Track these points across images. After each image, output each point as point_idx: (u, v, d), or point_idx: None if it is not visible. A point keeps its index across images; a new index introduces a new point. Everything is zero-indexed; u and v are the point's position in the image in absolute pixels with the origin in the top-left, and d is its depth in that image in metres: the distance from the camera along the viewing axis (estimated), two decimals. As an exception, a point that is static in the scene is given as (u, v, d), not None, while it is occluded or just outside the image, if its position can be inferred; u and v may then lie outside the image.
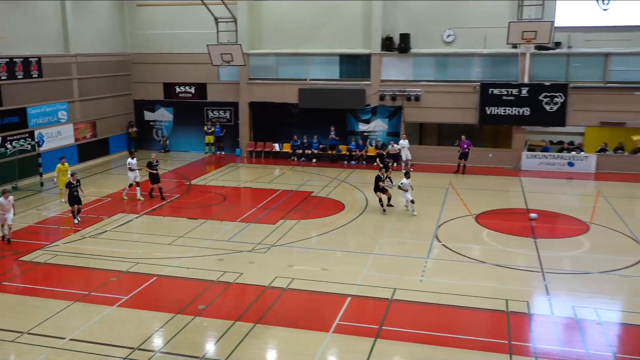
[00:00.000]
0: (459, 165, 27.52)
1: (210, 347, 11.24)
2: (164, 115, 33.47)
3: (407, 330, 11.76)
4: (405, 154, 27.51)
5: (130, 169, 22.13)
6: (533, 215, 19.92)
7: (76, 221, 19.13)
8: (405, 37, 28.81)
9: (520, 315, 12.44)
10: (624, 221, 19.51)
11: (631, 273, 14.99)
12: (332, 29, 29.99)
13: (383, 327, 11.85)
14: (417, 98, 29.14)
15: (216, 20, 26.68)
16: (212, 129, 32.29)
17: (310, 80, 30.77)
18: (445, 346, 11.13)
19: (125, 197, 22.26)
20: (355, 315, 12.51)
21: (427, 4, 28.71)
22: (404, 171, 22.93)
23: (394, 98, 29.50)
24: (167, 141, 33.38)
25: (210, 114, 32.68)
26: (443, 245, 17.08)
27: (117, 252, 16.48)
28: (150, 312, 12.71)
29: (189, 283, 14.30)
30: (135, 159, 22.41)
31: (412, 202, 20.14)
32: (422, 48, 29.08)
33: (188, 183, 25.27)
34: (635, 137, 29.41)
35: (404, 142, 27.75)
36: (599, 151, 28.34)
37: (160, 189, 22.31)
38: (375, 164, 27.16)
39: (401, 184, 20.29)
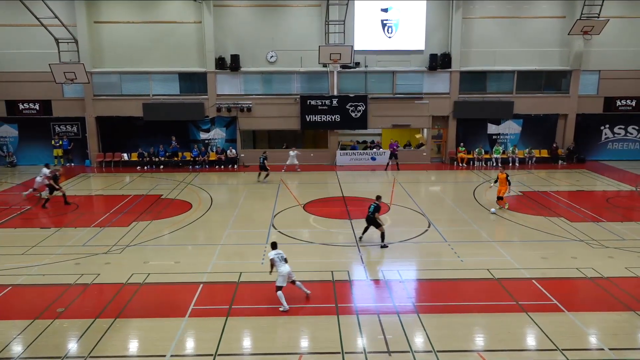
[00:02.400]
0: (388, 164, 28.27)
1: (72, 346, 10.14)
2: (8, 132, 29.59)
3: (253, 307, 11.71)
4: (292, 160, 27.45)
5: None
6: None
7: None
8: (235, 58, 28.67)
9: (343, 283, 13.00)
10: (414, 200, 21.46)
11: (421, 240, 16.50)
12: (170, 49, 28.82)
13: (233, 307, 11.68)
14: (249, 109, 29.22)
15: (57, 41, 24.11)
16: (60, 143, 29.28)
17: (153, 95, 29.26)
18: (284, 315, 11.29)
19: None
20: (207, 299, 12.15)
21: (252, 30, 28.82)
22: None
23: (229, 110, 29.25)
24: (14, 156, 29.59)
25: (57, 129, 29.57)
26: (279, 231, 17.26)
27: (-34, 268, 14.14)
28: (7, 322, 11.06)
29: (46, 289, 12.75)
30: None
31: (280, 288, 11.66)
32: (250, 67, 29.17)
33: (39, 195, 22.53)
34: (417, 136, 32.56)
35: (292, 153, 27.63)
36: (393, 147, 30.81)
37: (64, 195, 21.12)
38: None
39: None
